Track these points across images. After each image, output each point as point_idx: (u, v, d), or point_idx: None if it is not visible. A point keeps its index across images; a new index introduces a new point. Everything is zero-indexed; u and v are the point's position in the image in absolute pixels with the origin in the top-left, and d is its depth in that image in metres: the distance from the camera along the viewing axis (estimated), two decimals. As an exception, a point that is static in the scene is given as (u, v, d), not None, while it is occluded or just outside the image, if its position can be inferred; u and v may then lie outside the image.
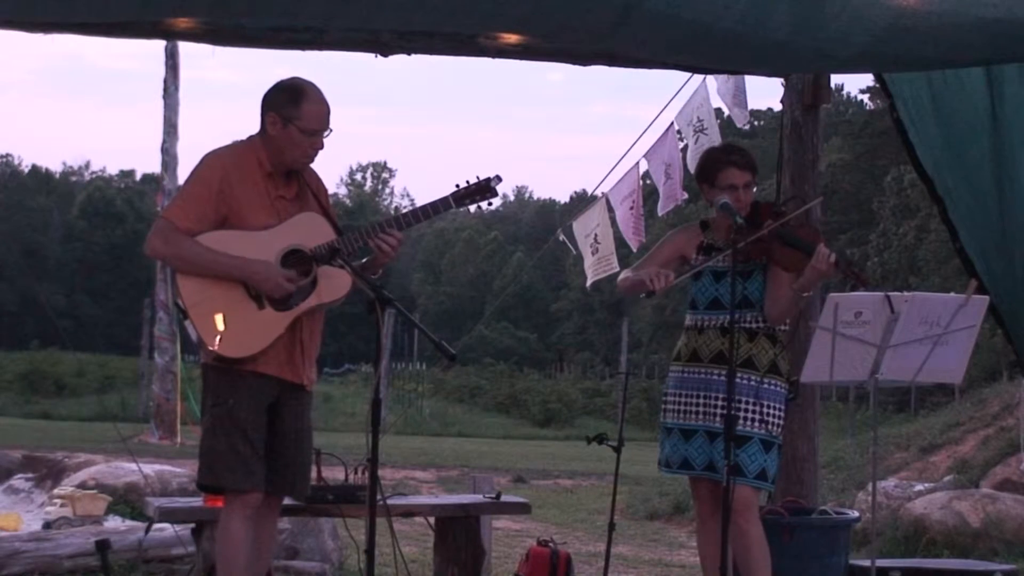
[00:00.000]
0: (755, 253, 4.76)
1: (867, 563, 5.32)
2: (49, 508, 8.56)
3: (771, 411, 4.81)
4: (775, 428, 4.82)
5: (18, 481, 10.23)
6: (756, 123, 41.16)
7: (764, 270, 4.87)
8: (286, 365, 4.37)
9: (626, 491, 12.21)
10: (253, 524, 4.34)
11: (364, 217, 49.71)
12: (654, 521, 11.54)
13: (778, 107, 6.52)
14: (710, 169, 4.92)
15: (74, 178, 69.10)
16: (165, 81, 20.76)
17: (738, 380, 4.71)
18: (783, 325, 4.95)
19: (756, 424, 4.78)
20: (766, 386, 4.82)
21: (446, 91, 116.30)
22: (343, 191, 74.29)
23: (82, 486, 8.99)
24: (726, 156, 4.93)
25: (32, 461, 10.77)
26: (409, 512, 5.71)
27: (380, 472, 4.21)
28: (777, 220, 4.78)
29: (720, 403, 4.76)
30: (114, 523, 8.10)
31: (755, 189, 4.99)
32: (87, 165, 71.83)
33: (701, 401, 4.86)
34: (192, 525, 5.33)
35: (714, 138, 6.24)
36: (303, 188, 4.47)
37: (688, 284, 4.99)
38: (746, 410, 4.76)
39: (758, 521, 4.82)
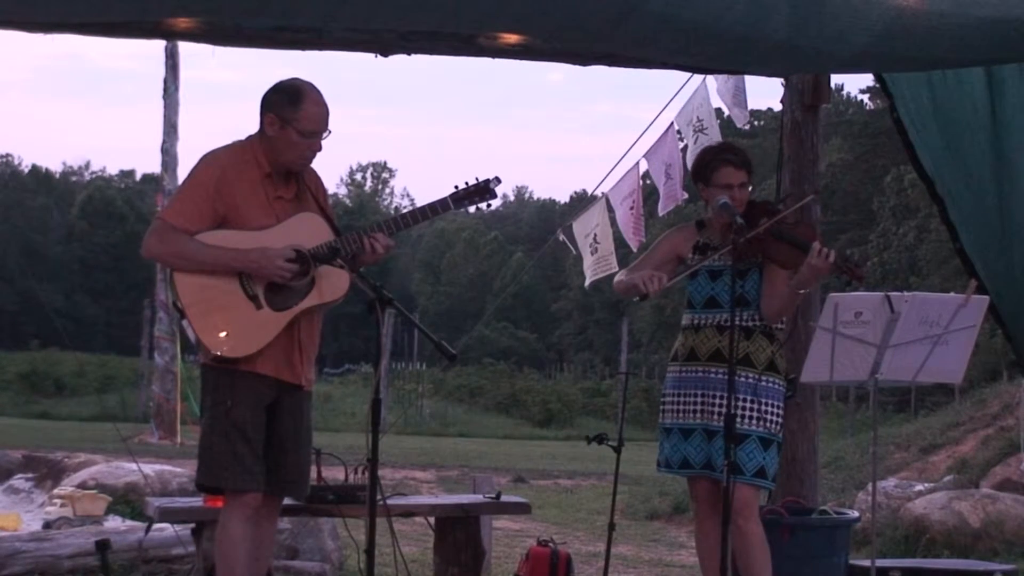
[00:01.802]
0: (751, 251, 4.76)
1: (867, 563, 5.32)
2: (49, 508, 8.56)
3: (769, 409, 4.81)
4: (773, 426, 4.81)
5: (18, 481, 10.23)
6: (756, 123, 41.14)
7: (760, 269, 4.87)
8: (284, 365, 4.37)
9: (626, 491, 12.21)
10: (253, 524, 4.34)
11: (364, 217, 49.71)
12: (654, 521, 11.53)
13: (778, 107, 6.52)
14: (705, 168, 4.92)
15: (74, 178, 69.12)
16: (165, 81, 20.75)
17: (736, 378, 4.72)
18: (780, 323, 4.95)
19: (754, 422, 4.78)
20: (764, 384, 4.81)
21: (446, 91, 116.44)
22: (343, 191, 74.39)
23: (82, 486, 9.00)
24: (722, 155, 4.92)
25: (32, 461, 10.78)
26: (409, 512, 5.70)
27: (380, 472, 4.21)
28: (772, 218, 4.78)
29: (718, 401, 4.77)
30: (114, 523, 8.10)
31: (752, 188, 4.98)
32: (87, 165, 71.96)
33: (699, 400, 4.86)
34: (192, 525, 5.33)
35: (714, 138, 6.24)
36: (302, 189, 4.46)
37: (685, 283, 4.99)
38: (744, 408, 4.76)
39: (758, 520, 4.81)
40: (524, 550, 6.40)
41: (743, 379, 4.77)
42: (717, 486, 4.76)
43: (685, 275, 4.89)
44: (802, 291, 4.80)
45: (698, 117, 6.35)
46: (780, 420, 4.85)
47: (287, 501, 4.69)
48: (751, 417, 4.78)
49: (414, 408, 28.38)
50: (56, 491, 8.89)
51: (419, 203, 4.57)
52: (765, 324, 4.87)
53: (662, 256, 5.00)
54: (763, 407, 4.80)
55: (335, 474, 5.46)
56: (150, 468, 9.59)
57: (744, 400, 4.77)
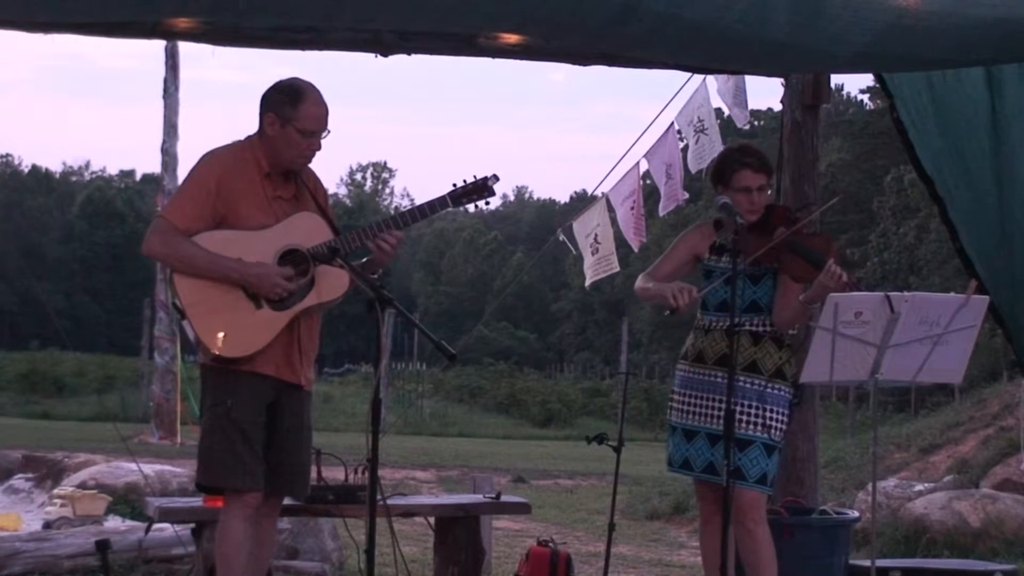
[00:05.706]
0: (765, 259, 4.74)
1: (867, 563, 5.31)
2: (49, 508, 8.56)
3: (774, 415, 4.80)
4: (777, 433, 4.80)
5: (18, 481, 10.24)
6: (756, 123, 41.08)
7: (775, 275, 4.84)
8: (284, 365, 4.37)
9: (626, 491, 12.20)
10: (253, 524, 4.35)
11: (364, 217, 49.73)
12: (654, 521, 11.53)
13: (778, 107, 6.52)
14: (725, 170, 4.88)
15: (74, 178, 69.13)
16: (165, 81, 20.73)
17: (742, 384, 4.71)
18: (792, 330, 4.93)
19: (759, 428, 4.77)
20: (770, 390, 4.80)
21: (446, 91, 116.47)
22: (343, 191, 74.44)
23: (82, 486, 9.00)
24: (741, 158, 4.86)
25: (32, 461, 10.78)
26: (409, 512, 5.70)
27: (380, 472, 4.20)
28: (790, 227, 4.75)
29: (720, 406, 4.74)
30: (114, 523, 8.10)
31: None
32: (87, 165, 72.00)
33: (704, 403, 4.85)
34: (192, 525, 5.33)
35: (714, 138, 6.25)
36: (301, 188, 4.47)
37: (700, 281, 4.95)
38: (749, 414, 4.76)
39: (765, 523, 4.81)
40: (524, 550, 6.40)
41: (749, 385, 4.77)
42: (720, 489, 4.75)
43: (708, 289, 4.81)
44: (813, 305, 4.77)
45: (698, 117, 6.35)
46: (784, 427, 4.84)
47: (287, 501, 4.69)
48: (756, 423, 4.77)
49: (414, 408, 28.36)
50: (56, 491, 8.89)
51: (418, 203, 4.57)
52: (775, 330, 4.86)
53: (681, 257, 4.97)
54: (768, 414, 4.79)
55: (335, 474, 5.46)
56: (150, 468, 9.60)
57: (749, 406, 4.76)
